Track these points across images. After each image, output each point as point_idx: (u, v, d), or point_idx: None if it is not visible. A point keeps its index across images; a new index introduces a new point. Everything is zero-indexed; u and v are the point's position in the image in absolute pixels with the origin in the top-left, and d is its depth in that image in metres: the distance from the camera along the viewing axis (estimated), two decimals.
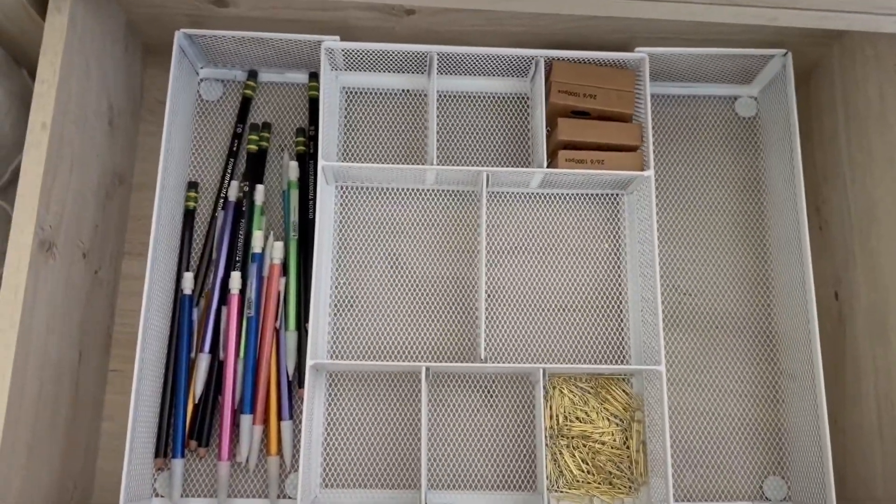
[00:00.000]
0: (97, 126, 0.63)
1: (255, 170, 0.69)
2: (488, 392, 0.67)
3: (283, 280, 0.66)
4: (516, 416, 0.66)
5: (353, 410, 0.66)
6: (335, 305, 0.68)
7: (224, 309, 0.66)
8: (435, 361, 0.66)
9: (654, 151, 0.72)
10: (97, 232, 0.63)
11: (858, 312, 0.64)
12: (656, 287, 0.63)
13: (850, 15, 0.56)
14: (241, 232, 0.67)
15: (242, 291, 0.66)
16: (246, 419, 0.64)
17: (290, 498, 0.63)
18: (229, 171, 0.69)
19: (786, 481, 0.66)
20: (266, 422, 0.64)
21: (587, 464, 0.64)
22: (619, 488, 0.64)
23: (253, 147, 0.69)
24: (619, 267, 0.70)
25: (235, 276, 0.66)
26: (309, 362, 0.61)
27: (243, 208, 0.68)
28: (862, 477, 0.63)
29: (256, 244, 0.66)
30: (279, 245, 0.66)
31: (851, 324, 0.65)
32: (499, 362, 0.67)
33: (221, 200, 0.68)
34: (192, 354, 0.65)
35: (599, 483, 0.64)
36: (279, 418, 0.64)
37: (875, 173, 0.62)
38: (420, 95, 0.72)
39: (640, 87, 0.68)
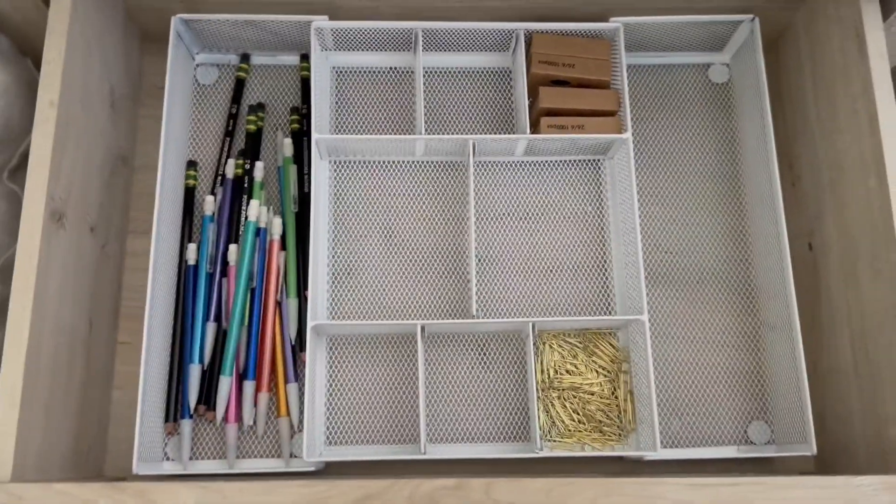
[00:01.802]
0: (100, 108, 0.66)
1: (253, 148, 0.72)
2: (482, 351, 0.70)
3: (283, 254, 0.69)
4: (509, 372, 0.69)
5: (354, 372, 0.69)
6: (332, 274, 0.71)
7: (225, 281, 0.69)
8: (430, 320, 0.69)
9: (633, 119, 0.75)
10: (103, 209, 0.67)
11: (831, 260, 0.68)
12: (637, 244, 0.66)
13: None
14: (244, 207, 0.70)
15: None
16: (249, 385, 0.66)
17: (296, 457, 0.66)
18: (226, 149, 0.72)
19: (769, 425, 0.69)
20: (276, 385, 0.67)
21: (578, 413, 0.67)
22: (609, 436, 0.67)
23: (252, 127, 0.72)
24: (602, 228, 0.73)
25: (233, 249, 0.69)
26: (309, 324, 0.64)
27: (245, 185, 0.71)
28: (840, 416, 0.66)
29: (252, 213, 0.69)
30: (277, 221, 0.69)
31: (825, 272, 0.68)
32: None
33: (219, 178, 0.71)
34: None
35: (590, 431, 0.67)
36: (286, 381, 0.67)
37: (840, 124, 0.66)
38: (407, 72, 0.76)
39: (616, 55, 0.71)
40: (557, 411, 0.67)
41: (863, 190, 0.63)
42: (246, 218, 0.69)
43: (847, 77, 0.65)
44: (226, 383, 0.66)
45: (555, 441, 0.67)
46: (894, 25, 0.64)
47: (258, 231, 0.69)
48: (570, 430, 0.67)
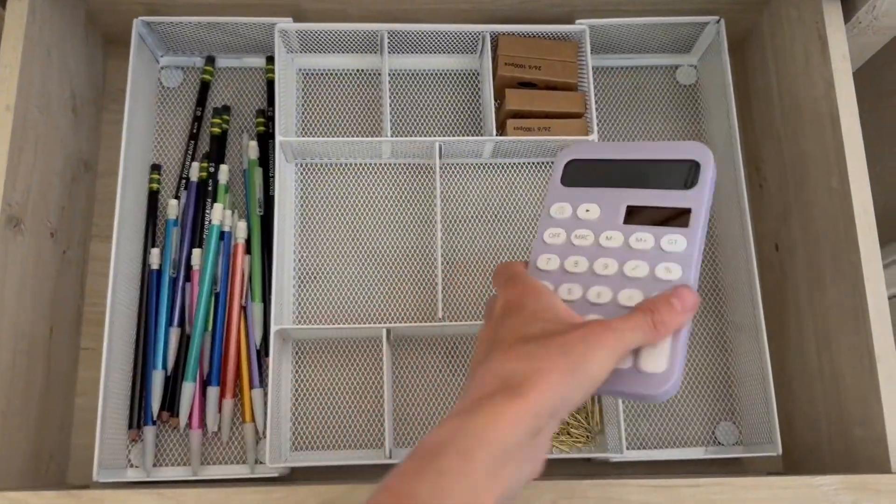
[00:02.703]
0: (61, 113, 0.66)
1: (218, 151, 0.72)
2: (450, 354, 0.70)
3: (248, 258, 0.69)
4: None
5: (320, 377, 0.69)
6: (299, 278, 0.70)
7: (188, 285, 0.68)
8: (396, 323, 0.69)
9: (601, 121, 0.75)
10: (64, 214, 0.66)
11: (797, 261, 0.68)
12: None
13: None
14: (208, 210, 0.69)
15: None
16: (213, 391, 0.66)
17: (262, 463, 0.66)
18: (190, 153, 0.71)
19: (737, 426, 0.69)
20: (241, 391, 0.67)
21: None
22: (577, 438, 0.67)
23: (216, 129, 0.72)
24: None
25: (196, 253, 0.68)
26: (273, 328, 0.63)
27: (209, 188, 0.70)
28: (807, 416, 0.66)
29: (215, 216, 0.68)
30: (242, 225, 0.69)
31: (792, 273, 0.69)
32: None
33: (184, 182, 0.71)
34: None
35: (558, 433, 0.67)
36: (250, 386, 0.67)
37: (804, 127, 0.66)
38: (374, 74, 0.75)
39: (582, 57, 0.71)
40: None
41: (825, 191, 0.63)
42: (210, 221, 0.69)
43: (810, 79, 0.65)
44: (189, 389, 0.65)
45: None
46: (856, 28, 0.65)
47: (222, 235, 0.69)
48: None
